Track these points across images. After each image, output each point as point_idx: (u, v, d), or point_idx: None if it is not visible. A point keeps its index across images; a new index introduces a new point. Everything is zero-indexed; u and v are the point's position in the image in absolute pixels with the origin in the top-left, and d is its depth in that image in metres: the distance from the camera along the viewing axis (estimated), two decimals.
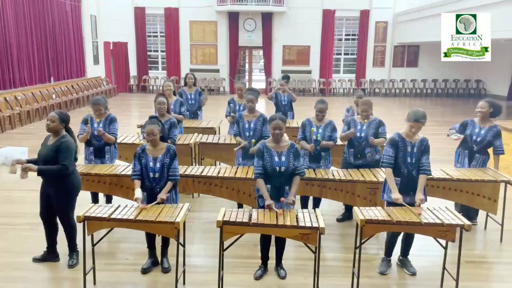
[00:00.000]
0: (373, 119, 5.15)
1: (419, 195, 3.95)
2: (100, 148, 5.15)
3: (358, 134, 5.09)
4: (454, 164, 5.31)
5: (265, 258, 4.16)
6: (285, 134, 4.23)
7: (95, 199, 5.29)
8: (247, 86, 7.04)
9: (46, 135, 4.21)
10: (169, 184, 4.02)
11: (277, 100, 7.61)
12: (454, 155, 5.34)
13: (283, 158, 3.94)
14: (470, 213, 5.11)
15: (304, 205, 5.18)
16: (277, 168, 3.92)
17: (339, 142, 5.36)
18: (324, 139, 5.07)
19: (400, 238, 4.28)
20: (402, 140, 4.05)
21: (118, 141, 6.07)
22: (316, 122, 5.16)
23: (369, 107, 5.09)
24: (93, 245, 3.83)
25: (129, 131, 7.41)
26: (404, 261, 4.27)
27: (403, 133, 4.08)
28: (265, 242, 4.11)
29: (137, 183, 4.01)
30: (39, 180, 4.19)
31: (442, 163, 5.89)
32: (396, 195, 3.95)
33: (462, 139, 5.15)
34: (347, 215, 5.39)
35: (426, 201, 4.06)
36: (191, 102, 7.37)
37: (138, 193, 3.92)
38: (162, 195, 3.94)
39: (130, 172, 4.34)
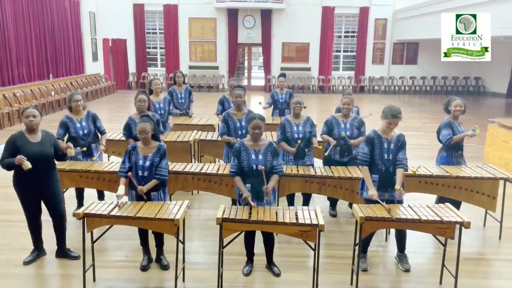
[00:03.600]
0: (354, 117, 5.18)
1: (397, 186, 3.90)
2: (87, 147, 5.10)
3: (342, 133, 5.06)
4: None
5: (250, 254, 4.18)
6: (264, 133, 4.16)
7: (80, 196, 5.31)
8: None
9: (12, 136, 4.03)
10: (153, 181, 3.97)
11: (273, 98, 7.61)
12: (446, 159, 5.06)
13: (260, 157, 3.93)
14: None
15: (304, 202, 5.19)
16: (254, 166, 3.90)
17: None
18: (305, 135, 5.01)
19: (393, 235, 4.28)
20: (378, 137, 4.03)
21: (115, 137, 6.07)
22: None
23: (351, 101, 5.11)
24: (93, 242, 3.83)
25: None
26: (400, 257, 4.28)
27: (379, 130, 4.06)
28: (249, 238, 4.12)
29: (123, 180, 4.00)
30: None
31: None
32: (372, 191, 3.94)
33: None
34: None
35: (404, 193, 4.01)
36: (181, 100, 7.37)
37: (121, 190, 3.92)
38: (144, 188, 3.91)
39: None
